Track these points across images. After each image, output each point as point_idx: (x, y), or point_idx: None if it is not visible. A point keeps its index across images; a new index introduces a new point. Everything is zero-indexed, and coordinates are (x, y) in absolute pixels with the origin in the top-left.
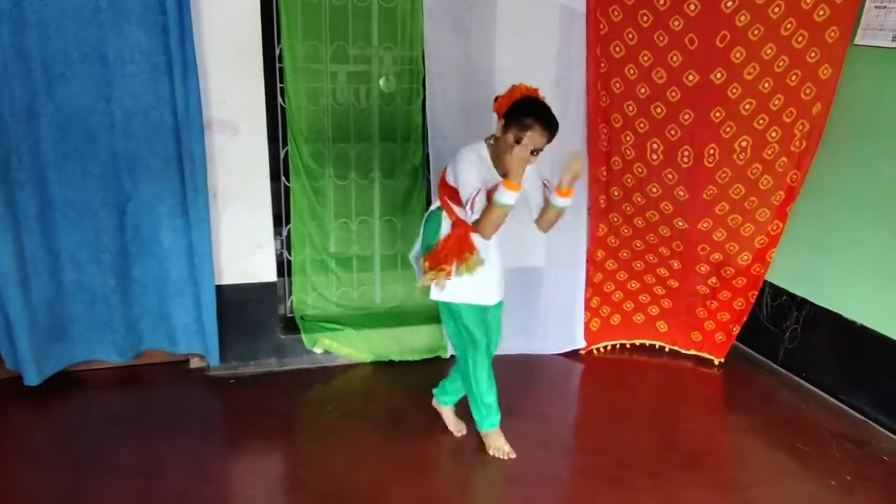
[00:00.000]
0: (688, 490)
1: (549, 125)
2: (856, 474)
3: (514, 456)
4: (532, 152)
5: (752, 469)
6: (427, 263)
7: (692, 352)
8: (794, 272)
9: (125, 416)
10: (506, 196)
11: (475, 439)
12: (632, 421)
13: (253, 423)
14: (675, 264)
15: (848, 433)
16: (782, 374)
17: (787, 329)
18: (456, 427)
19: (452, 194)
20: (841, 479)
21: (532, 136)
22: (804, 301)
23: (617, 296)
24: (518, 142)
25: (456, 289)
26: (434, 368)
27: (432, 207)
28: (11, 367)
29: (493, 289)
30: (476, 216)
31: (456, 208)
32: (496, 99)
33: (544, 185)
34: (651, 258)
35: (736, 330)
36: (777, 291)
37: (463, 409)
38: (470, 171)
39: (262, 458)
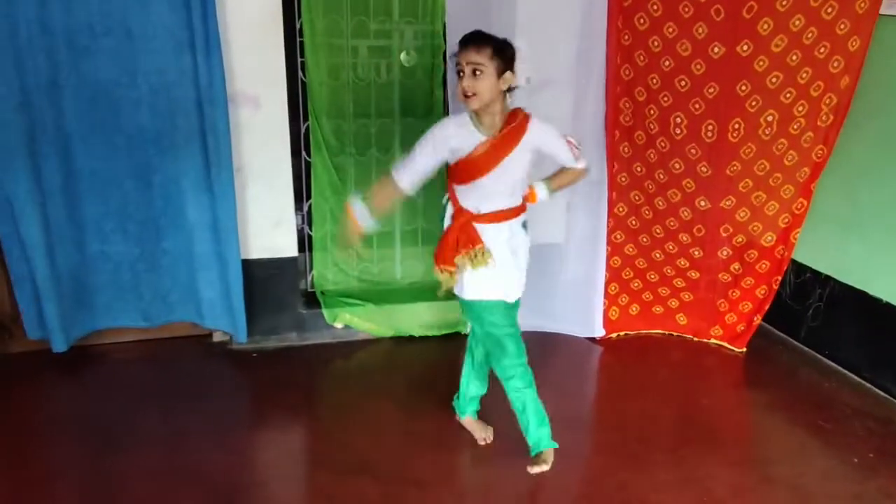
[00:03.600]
0: (707, 466)
1: (464, 38)
2: (878, 451)
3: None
4: (474, 72)
5: (773, 446)
6: (434, 261)
7: (713, 342)
8: (818, 249)
9: (149, 388)
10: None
11: (494, 417)
12: (651, 398)
13: (275, 396)
14: (696, 252)
15: (871, 411)
16: (804, 352)
17: (811, 307)
18: (482, 434)
19: (450, 171)
20: (863, 456)
21: (460, 57)
22: (828, 278)
23: (636, 284)
24: (458, 72)
25: (475, 284)
26: (454, 344)
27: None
28: (39, 336)
29: (513, 284)
30: (396, 168)
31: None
32: None
33: (568, 141)
34: (671, 247)
35: (758, 320)
36: (800, 269)
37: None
38: (429, 136)
39: (285, 430)
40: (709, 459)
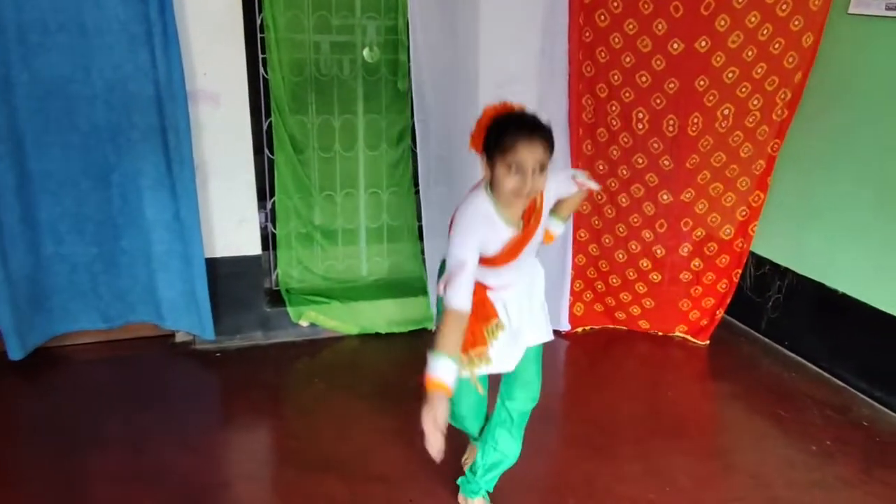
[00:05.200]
0: (671, 456)
1: (535, 131)
2: (836, 439)
3: None
4: (542, 169)
5: (734, 435)
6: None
7: (677, 335)
8: (777, 242)
9: (112, 390)
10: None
11: None
12: (616, 390)
13: (240, 395)
14: (659, 251)
15: (829, 400)
16: (765, 343)
17: (770, 298)
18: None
19: None
20: (821, 444)
21: (522, 155)
22: (787, 270)
23: (599, 286)
24: (510, 168)
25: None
26: (421, 340)
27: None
28: None
29: (517, 348)
30: (451, 294)
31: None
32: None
33: (573, 179)
34: (634, 246)
35: (720, 313)
36: (760, 261)
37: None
38: (466, 236)
39: (251, 429)
40: (673, 449)
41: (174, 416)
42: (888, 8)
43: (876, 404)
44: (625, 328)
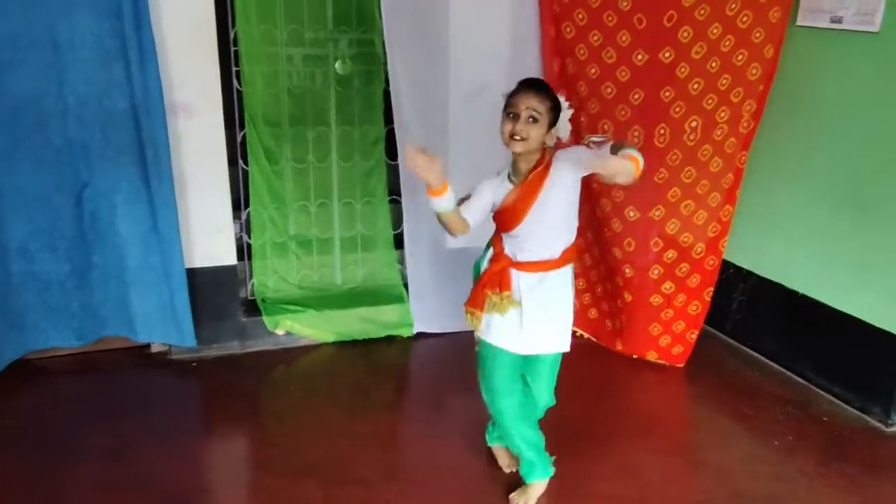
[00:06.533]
0: (638, 455)
1: (526, 82)
2: (797, 434)
3: None
4: (531, 118)
5: (700, 433)
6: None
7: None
8: (740, 246)
9: (89, 401)
10: (431, 203)
11: (438, 417)
12: (584, 391)
13: (218, 405)
14: (628, 270)
15: (790, 397)
16: (729, 343)
17: (734, 300)
18: (507, 463)
19: (494, 221)
20: (783, 439)
21: (513, 101)
22: (749, 273)
23: (584, 299)
24: (508, 113)
25: (487, 323)
26: (396, 347)
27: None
28: None
29: (526, 336)
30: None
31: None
32: None
33: (588, 146)
34: (603, 269)
35: (693, 336)
36: (724, 265)
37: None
38: (484, 182)
39: (229, 437)
40: (640, 448)
41: (152, 426)
42: (833, 21)
43: (835, 400)
44: (603, 344)
